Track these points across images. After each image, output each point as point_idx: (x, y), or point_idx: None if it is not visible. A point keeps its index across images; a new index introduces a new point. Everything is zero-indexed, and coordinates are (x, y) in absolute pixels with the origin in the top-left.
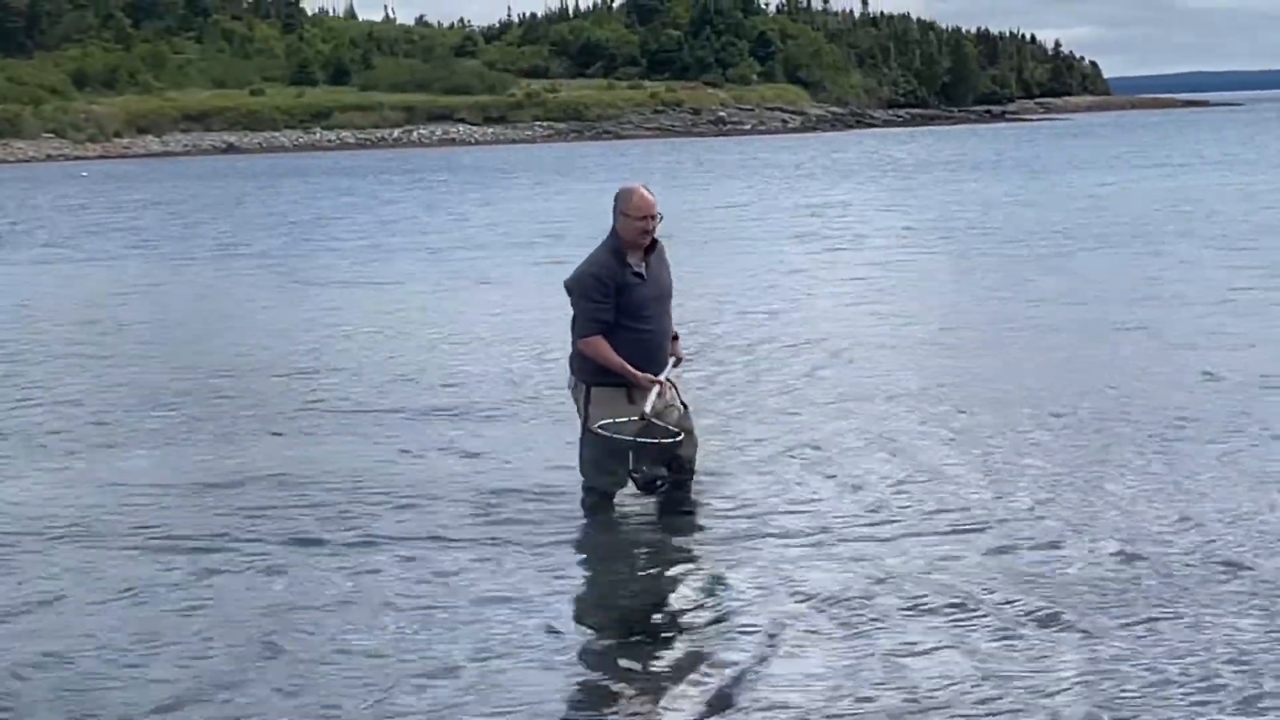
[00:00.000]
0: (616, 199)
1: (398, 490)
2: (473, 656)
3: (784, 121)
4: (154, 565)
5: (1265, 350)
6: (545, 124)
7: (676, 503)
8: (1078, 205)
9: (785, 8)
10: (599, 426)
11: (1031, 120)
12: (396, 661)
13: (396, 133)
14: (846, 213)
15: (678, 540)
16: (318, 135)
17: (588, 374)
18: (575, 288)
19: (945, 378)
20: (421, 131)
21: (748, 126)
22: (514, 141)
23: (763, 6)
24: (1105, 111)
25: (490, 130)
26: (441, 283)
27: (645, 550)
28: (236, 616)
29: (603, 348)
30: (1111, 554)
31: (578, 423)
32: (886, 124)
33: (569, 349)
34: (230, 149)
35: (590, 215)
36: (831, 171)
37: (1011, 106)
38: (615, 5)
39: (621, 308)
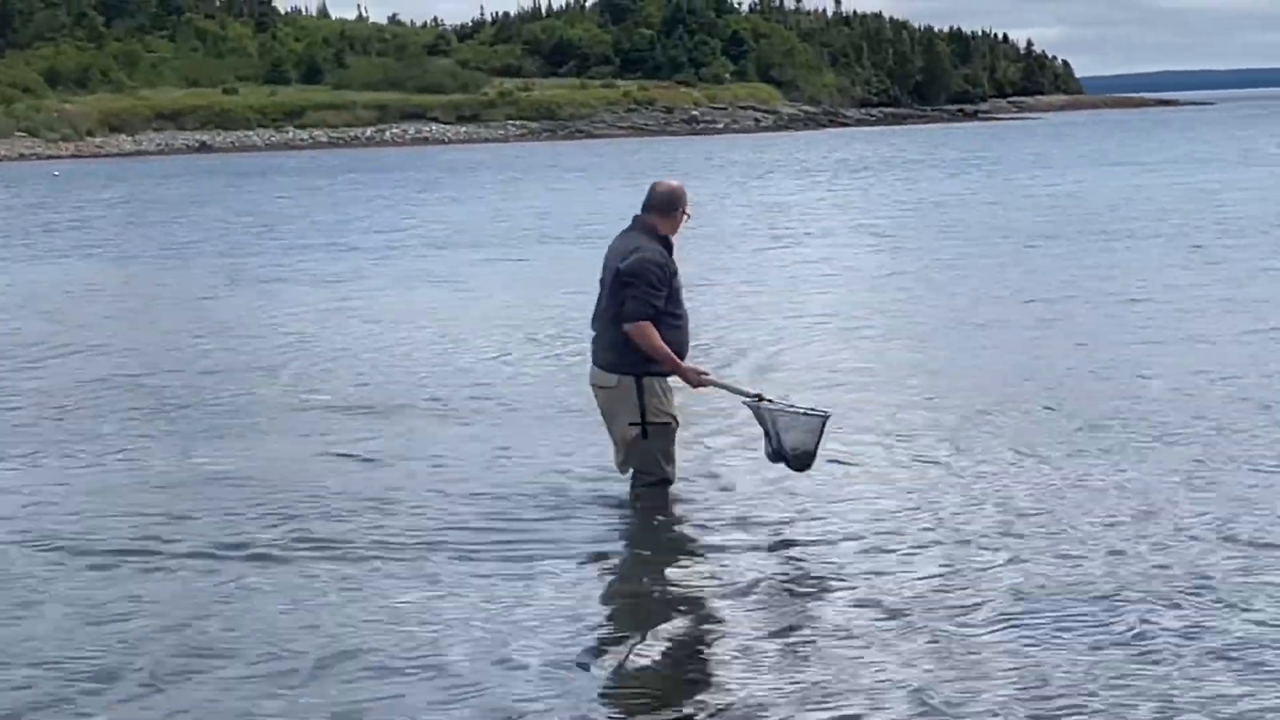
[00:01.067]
0: (670, 195)
1: (342, 494)
2: (416, 662)
3: (757, 120)
4: (82, 571)
5: (1195, 349)
6: (518, 123)
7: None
8: (1035, 203)
9: (758, 7)
10: (753, 402)
11: (1004, 119)
12: (327, 679)
13: (369, 131)
14: (802, 211)
15: (643, 541)
16: (291, 134)
17: (635, 364)
18: (639, 273)
19: (880, 375)
20: (394, 130)
21: (721, 125)
22: (487, 140)
23: (735, 6)
24: (1077, 110)
25: (463, 129)
26: (395, 281)
27: (613, 551)
28: (160, 625)
29: (653, 332)
30: (1036, 558)
31: (621, 418)
32: (859, 123)
33: (611, 339)
34: (203, 148)
35: (556, 214)
36: (794, 170)
37: (984, 106)
38: (588, 4)
39: (669, 297)
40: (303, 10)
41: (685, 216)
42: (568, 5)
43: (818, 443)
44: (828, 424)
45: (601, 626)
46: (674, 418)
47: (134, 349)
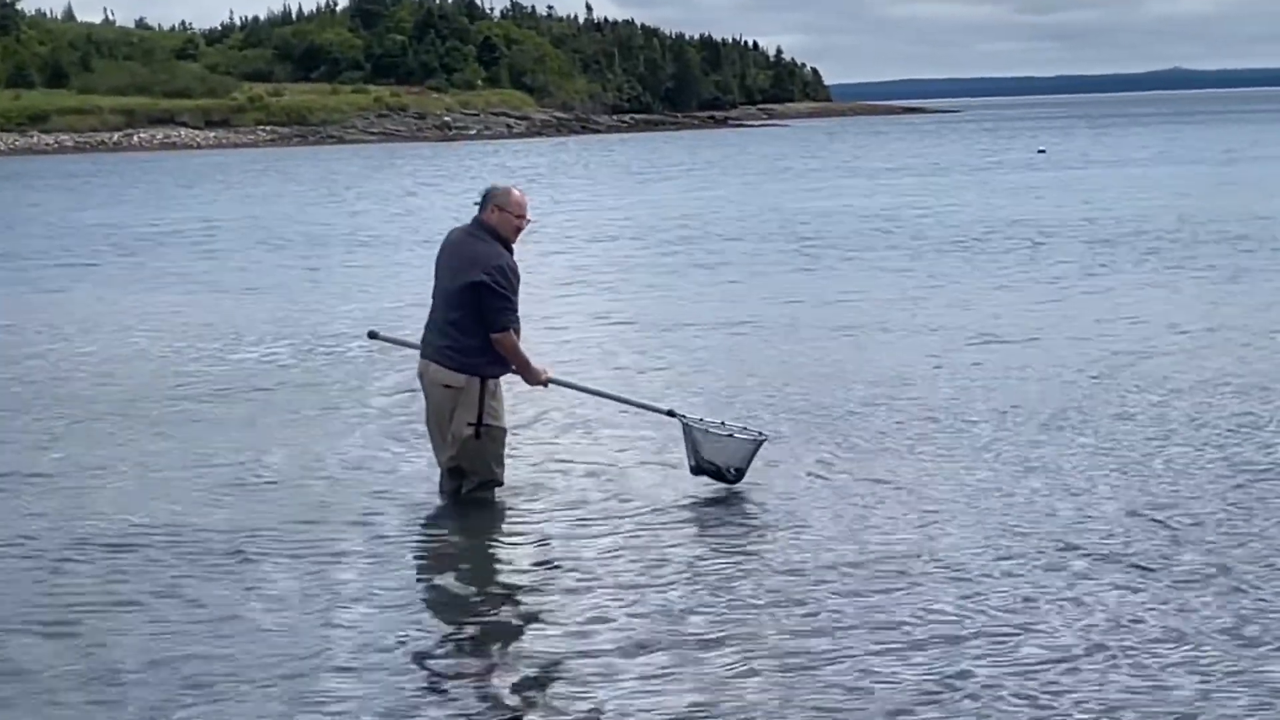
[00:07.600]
0: (494, 196)
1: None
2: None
3: (509, 126)
4: None
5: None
6: (269, 128)
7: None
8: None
9: (510, 13)
10: (691, 422)
11: (754, 126)
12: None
13: (116, 136)
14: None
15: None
16: (35, 139)
17: (483, 366)
18: (503, 281)
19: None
20: (142, 135)
21: (473, 131)
22: (236, 145)
23: (487, 11)
24: (825, 117)
25: (212, 134)
26: (108, 285)
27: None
28: None
29: (516, 340)
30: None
31: (460, 417)
32: (611, 129)
33: (458, 340)
34: None
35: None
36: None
37: (734, 112)
38: (339, 9)
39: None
40: (47, 13)
41: (520, 218)
42: (318, 9)
43: (749, 460)
44: (762, 446)
45: (429, 619)
46: (503, 424)
47: None
